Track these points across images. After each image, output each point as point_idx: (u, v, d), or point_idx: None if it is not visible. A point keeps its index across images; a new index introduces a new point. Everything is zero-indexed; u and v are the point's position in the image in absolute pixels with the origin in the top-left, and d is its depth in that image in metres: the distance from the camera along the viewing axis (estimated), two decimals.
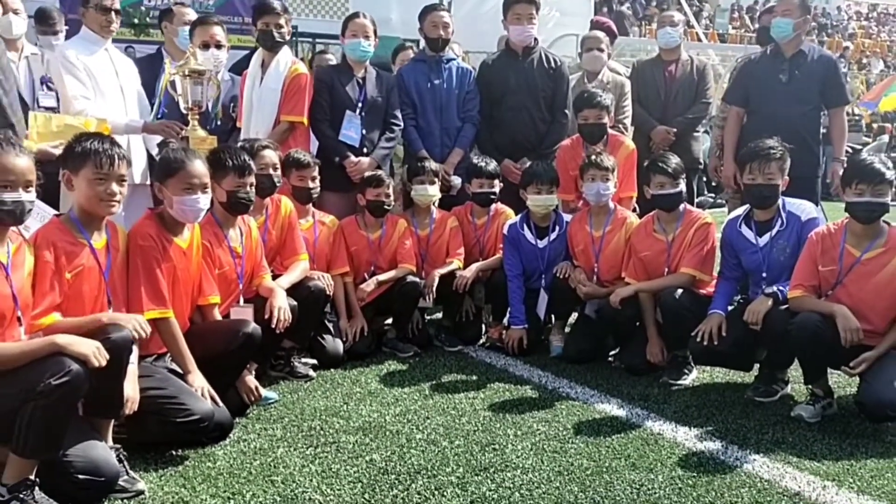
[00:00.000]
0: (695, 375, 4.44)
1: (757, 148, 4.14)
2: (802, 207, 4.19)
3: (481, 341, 5.15)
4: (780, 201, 4.16)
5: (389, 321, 5.06)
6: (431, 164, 5.13)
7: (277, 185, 4.41)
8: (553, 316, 5.07)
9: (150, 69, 5.43)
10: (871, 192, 3.67)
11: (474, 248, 5.24)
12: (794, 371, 4.12)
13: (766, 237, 4.16)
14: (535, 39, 5.60)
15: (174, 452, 3.34)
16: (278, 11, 4.99)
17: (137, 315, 2.92)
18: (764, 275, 4.15)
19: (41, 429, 2.67)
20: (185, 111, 4.59)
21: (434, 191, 5.09)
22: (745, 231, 4.24)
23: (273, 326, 3.86)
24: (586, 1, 14.91)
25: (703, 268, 4.44)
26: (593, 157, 4.72)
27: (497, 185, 5.14)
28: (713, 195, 12.62)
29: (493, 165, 5.14)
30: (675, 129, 6.02)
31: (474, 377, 4.45)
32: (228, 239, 3.97)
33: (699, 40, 20.51)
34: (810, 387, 3.93)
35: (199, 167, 3.58)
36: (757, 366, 4.28)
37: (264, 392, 3.92)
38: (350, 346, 4.72)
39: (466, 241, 5.20)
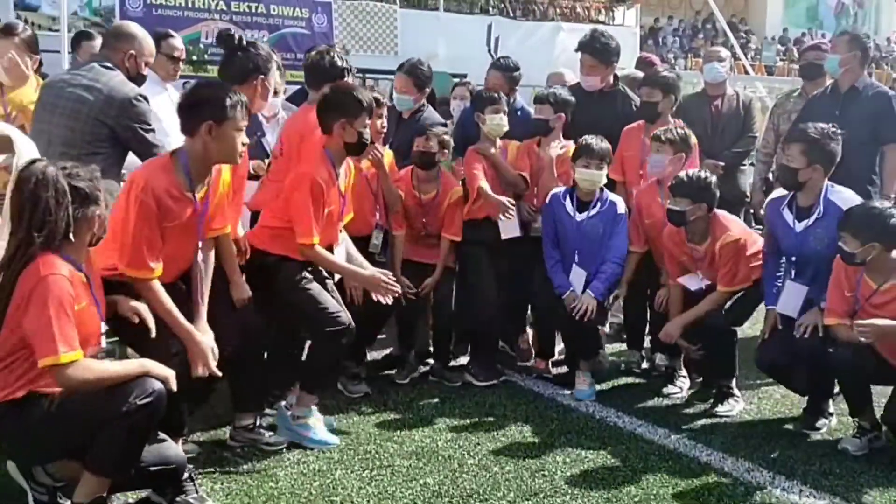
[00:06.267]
0: (741, 407, 4.48)
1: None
2: (844, 196, 4.10)
3: (529, 363, 5.16)
4: (824, 187, 4.13)
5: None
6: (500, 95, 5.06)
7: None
8: (577, 357, 4.84)
9: None
10: None
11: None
12: (842, 404, 4.16)
13: (804, 224, 4.16)
14: (615, 77, 5.59)
15: (238, 473, 3.51)
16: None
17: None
18: (794, 259, 4.20)
19: (122, 447, 2.79)
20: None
21: (505, 122, 5.00)
22: (785, 213, 4.26)
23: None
24: (632, 35, 14.99)
25: (738, 282, 4.42)
26: (658, 132, 4.78)
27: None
28: (760, 227, 12.54)
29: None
30: (722, 164, 6.09)
31: (523, 405, 4.52)
32: (338, 178, 4.00)
33: (746, 73, 20.44)
34: (857, 420, 3.97)
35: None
36: (803, 399, 4.32)
37: (322, 437, 3.90)
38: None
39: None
